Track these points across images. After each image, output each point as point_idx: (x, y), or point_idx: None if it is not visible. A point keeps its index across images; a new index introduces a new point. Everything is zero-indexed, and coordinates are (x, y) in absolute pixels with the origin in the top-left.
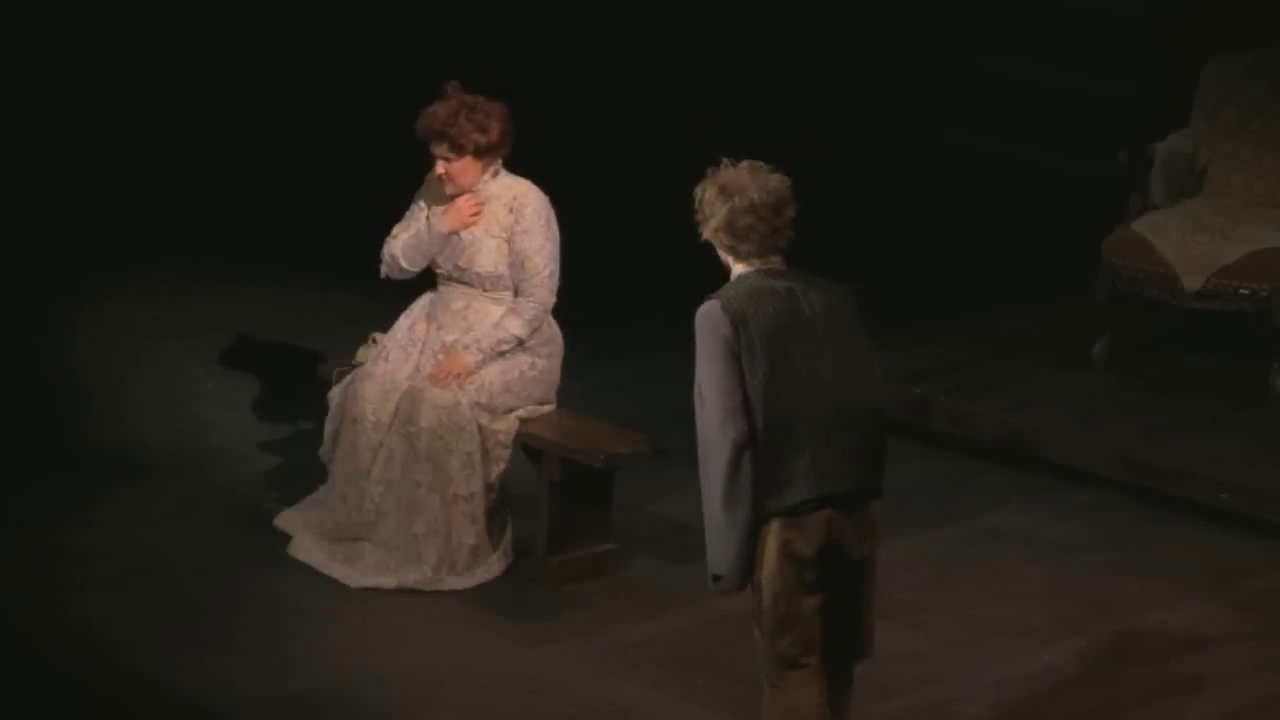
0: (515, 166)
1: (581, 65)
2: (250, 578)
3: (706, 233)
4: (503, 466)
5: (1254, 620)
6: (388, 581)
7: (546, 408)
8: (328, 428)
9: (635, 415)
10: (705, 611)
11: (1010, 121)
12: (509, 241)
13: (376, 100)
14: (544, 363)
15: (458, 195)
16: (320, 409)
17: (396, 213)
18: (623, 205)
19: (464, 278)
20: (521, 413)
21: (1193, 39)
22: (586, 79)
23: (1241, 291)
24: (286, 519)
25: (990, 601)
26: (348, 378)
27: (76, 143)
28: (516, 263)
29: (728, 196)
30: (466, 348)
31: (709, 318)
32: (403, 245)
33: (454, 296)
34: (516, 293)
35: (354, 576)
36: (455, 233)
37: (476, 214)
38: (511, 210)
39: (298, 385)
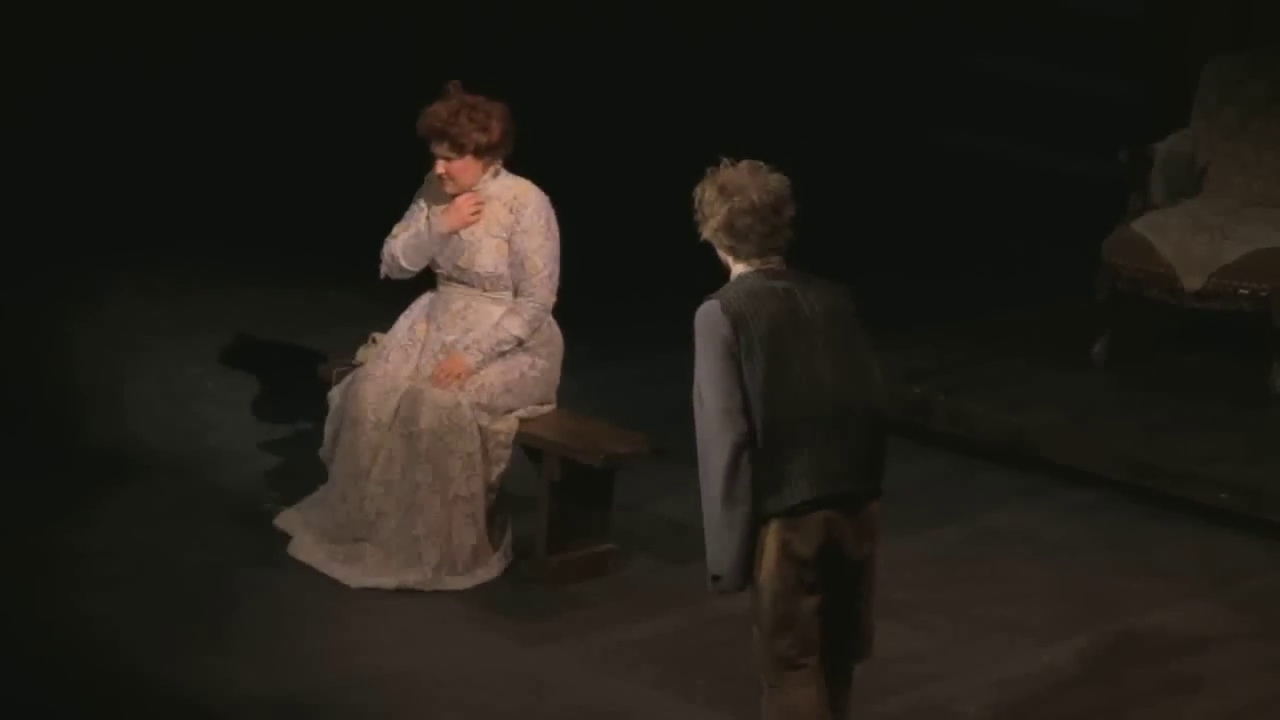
0: (515, 166)
1: (581, 65)
2: (250, 577)
3: (706, 233)
4: (503, 467)
5: (1254, 620)
6: (388, 582)
7: (546, 408)
8: (328, 428)
9: (635, 415)
10: (705, 611)
11: (1010, 121)
12: (509, 241)
13: (376, 100)
14: (544, 363)
15: (458, 195)
16: (320, 409)
17: (396, 213)
18: (623, 205)
19: (464, 278)
20: (521, 413)
21: (1192, 39)
22: (585, 78)
23: (1241, 291)
24: (286, 519)
25: (990, 601)
26: (348, 378)
27: (76, 142)
28: (516, 263)
29: (727, 196)
30: (467, 348)
31: (708, 318)
32: (403, 245)
33: (454, 297)
34: (516, 293)
35: (354, 577)
36: (455, 232)
37: (476, 213)
38: (511, 210)
39: (298, 385)
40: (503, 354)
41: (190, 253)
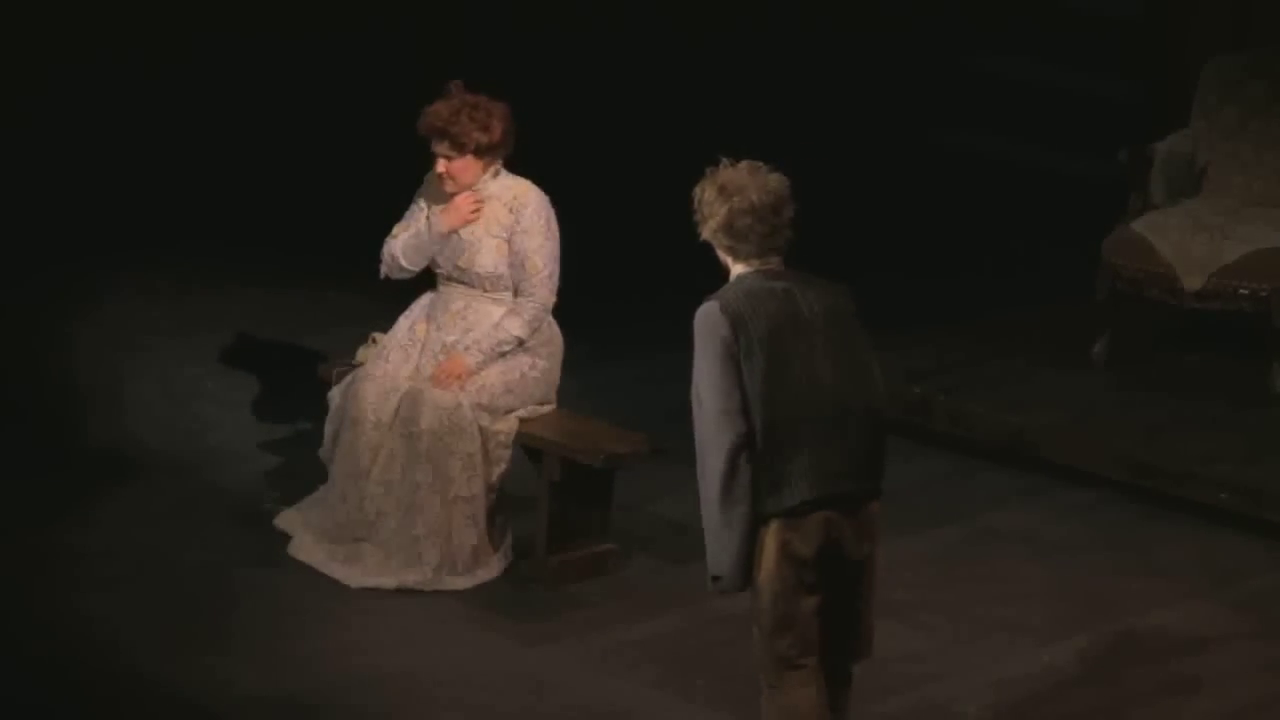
0: (515, 166)
1: (581, 65)
2: (250, 577)
3: (705, 233)
4: (503, 467)
5: (1254, 620)
6: (387, 582)
7: (546, 408)
8: (328, 428)
9: (635, 415)
10: (705, 611)
11: (1010, 121)
12: (509, 241)
13: (376, 100)
14: (544, 363)
15: (458, 194)
16: (320, 409)
17: (396, 213)
18: (623, 205)
19: (464, 278)
20: (522, 413)
21: (1192, 39)
22: (585, 78)
23: (1241, 291)
24: (286, 519)
25: (990, 601)
26: (348, 378)
27: (76, 142)
28: (516, 263)
29: (727, 197)
30: (467, 349)
31: (708, 319)
32: (403, 245)
33: (454, 297)
34: (516, 293)
35: (354, 577)
36: (455, 231)
37: (475, 211)
38: (511, 210)
39: (298, 385)
40: (503, 354)
41: (190, 253)
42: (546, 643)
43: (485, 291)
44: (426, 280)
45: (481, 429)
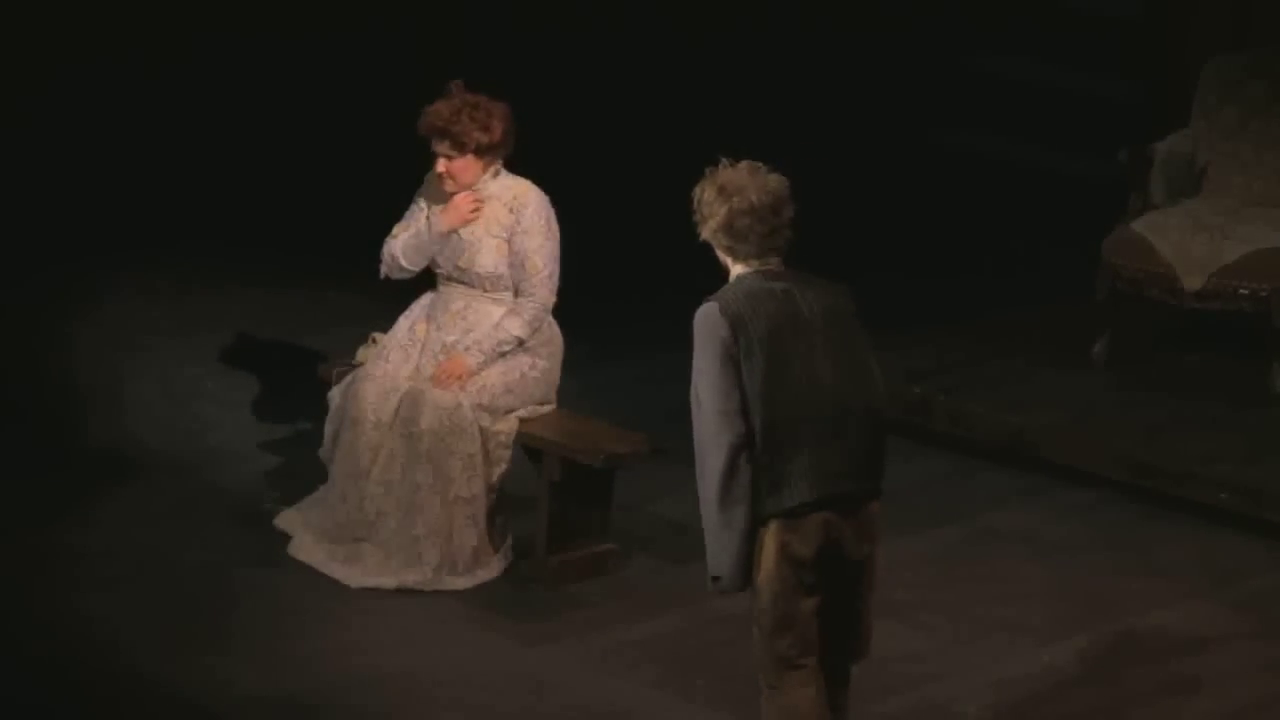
0: (516, 166)
1: (581, 65)
2: (250, 577)
3: (705, 233)
4: (504, 467)
5: (1254, 620)
6: (388, 582)
7: (547, 408)
8: (328, 428)
9: (635, 415)
10: (705, 611)
11: (1010, 121)
12: (509, 241)
13: (376, 100)
14: (544, 363)
15: (458, 194)
16: (320, 409)
17: (396, 213)
18: (623, 205)
19: (464, 278)
20: (522, 413)
21: (1192, 39)
22: (585, 78)
23: (1241, 291)
24: (286, 519)
25: (990, 601)
26: (348, 378)
27: (77, 142)
28: (516, 263)
29: (726, 197)
30: (467, 349)
31: (707, 320)
32: (403, 245)
33: (454, 297)
34: (517, 293)
35: (354, 577)
36: (454, 231)
37: (475, 211)
38: (512, 210)
39: (298, 385)
40: (503, 354)
41: (190, 253)
42: (546, 643)
43: (485, 292)
44: (426, 280)
45: (482, 429)
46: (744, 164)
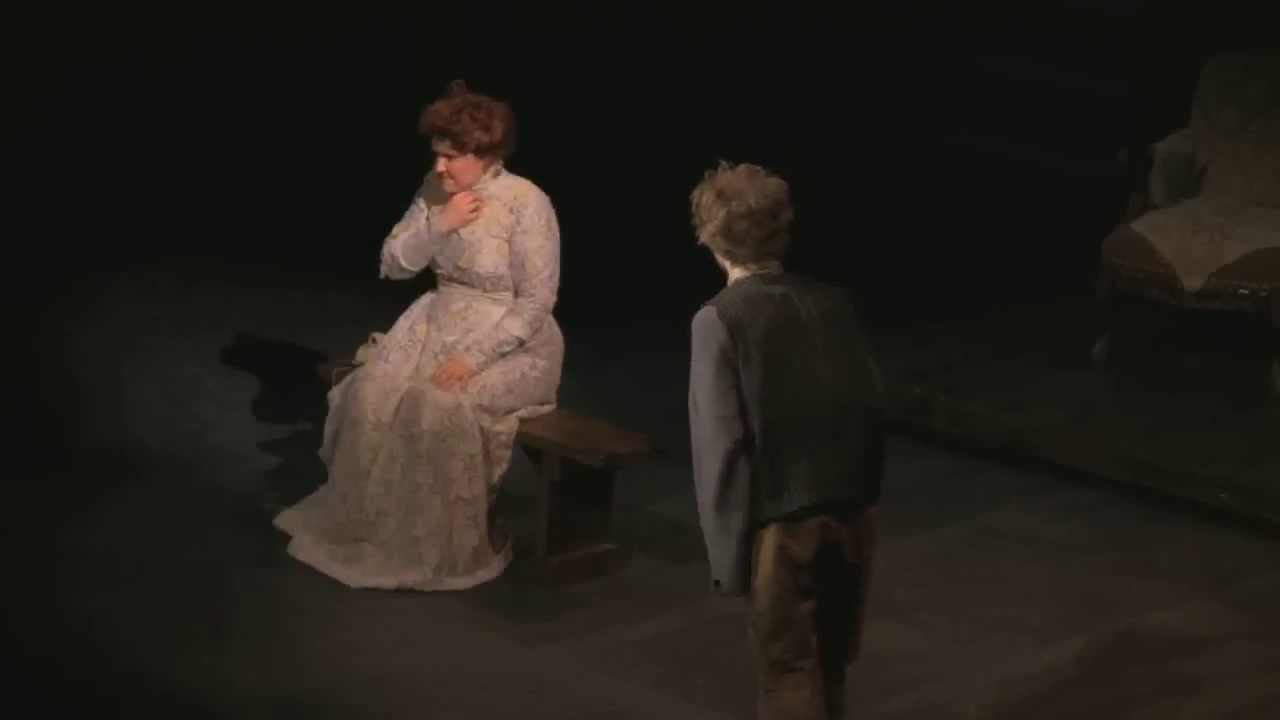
0: (516, 166)
1: (581, 65)
2: (250, 577)
3: (703, 236)
4: (504, 468)
5: (1254, 620)
6: (388, 582)
7: (547, 408)
8: (328, 428)
9: (635, 415)
10: (705, 611)
11: (1010, 121)
12: (509, 241)
13: (376, 100)
14: (545, 363)
15: (458, 194)
16: (320, 409)
17: (396, 213)
18: (623, 205)
19: (464, 278)
20: (522, 413)
21: (1192, 39)
22: (585, 78)
23: (1241, 291)
24: (286, 519)
25: (990, 601)
26: (348, 378)
27: (77, 142)
28: (517, 263)
29: (725, 201)
30: (467, 349)
31: (705, 324)
32: (402, 245)
33: (454, 297)
34: (517, 293)
35: (354, 577)
36: (454, 231)
37: (475, 211)
38: (512, 210)
39: (298, 385)
40: (503, 355)
41: (190, 253)
42: (546, 643)
43: (485, 292)
44: (426, 280)
45: (482, 429)
46: (743, 168)
